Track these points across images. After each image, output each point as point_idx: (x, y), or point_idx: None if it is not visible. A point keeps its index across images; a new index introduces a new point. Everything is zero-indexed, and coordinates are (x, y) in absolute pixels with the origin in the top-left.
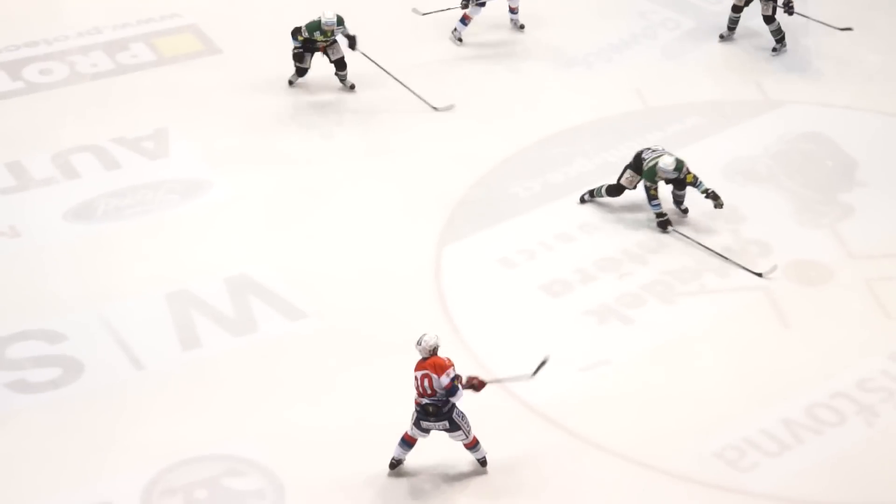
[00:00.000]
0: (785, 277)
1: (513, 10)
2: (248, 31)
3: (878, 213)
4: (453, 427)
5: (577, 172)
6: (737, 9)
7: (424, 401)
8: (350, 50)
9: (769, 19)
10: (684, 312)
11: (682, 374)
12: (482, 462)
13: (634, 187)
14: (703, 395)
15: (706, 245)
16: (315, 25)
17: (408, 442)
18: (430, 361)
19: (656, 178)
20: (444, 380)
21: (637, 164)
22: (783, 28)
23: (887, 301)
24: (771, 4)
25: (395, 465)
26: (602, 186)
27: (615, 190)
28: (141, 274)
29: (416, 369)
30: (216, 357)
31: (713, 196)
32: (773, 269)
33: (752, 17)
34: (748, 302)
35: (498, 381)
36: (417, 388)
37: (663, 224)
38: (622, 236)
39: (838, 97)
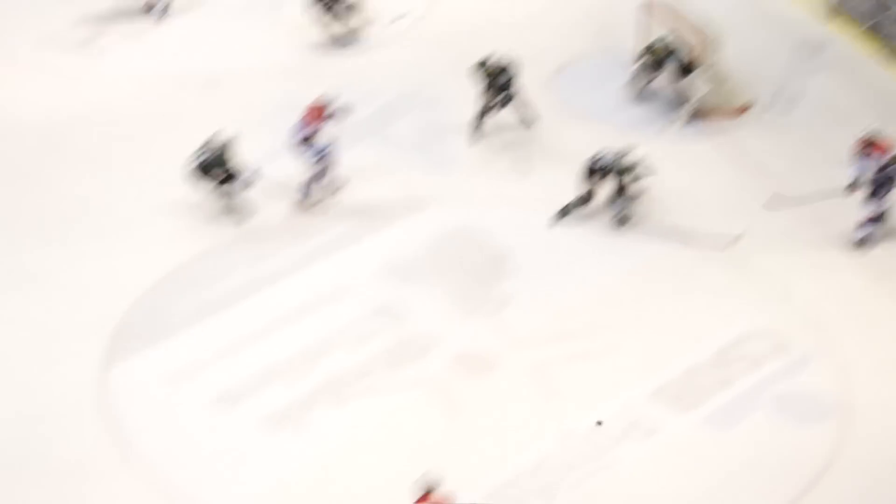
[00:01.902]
0: (452, 368)
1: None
2: None
3: (534, 300)
4: None
5: (238, 283)
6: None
7: None
8: None
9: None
10: (356, 413)
11: (354, 477)
12: None
13: None
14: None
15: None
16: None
17: None
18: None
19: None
20: None
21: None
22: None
23: (553, 383)
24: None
25: None
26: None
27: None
28: None
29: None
30: None
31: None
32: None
33: (390, 124)
34: (417, 397)
35: None
36: None
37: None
38: (288, 342)
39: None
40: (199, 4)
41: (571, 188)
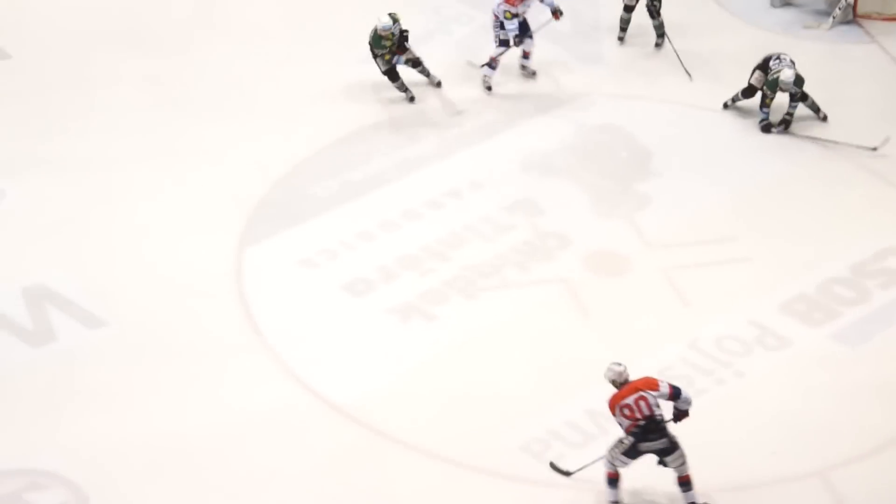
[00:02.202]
0: (584, 268)
1: (526, 56)
2: (37, 35)
3: (672, 203)
4: (672, 447)
5: (375, 170)
6: (628, 8)
7: (642, 421)
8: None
9: (654, 14)
10: (486, 307)
11: (487, 369)
12: None
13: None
14: (507, 389)
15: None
16: (376, 38)
17: (614, 479)
18: (634, 385)
19: (777, 89)
20: (665, 387)
21: (764, 67)
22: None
23: (684, 289)
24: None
25: None
26: (738, 92)
27: (749, 91)
28: None
29: (619, 399)
30: (14, 370)
31: (814, 108)
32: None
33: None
34: (549, 294)
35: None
36: (632, 417)
37: (766, 127)
38: (423, 233)
39: (630, 88)
40: None
41: (721, 90)
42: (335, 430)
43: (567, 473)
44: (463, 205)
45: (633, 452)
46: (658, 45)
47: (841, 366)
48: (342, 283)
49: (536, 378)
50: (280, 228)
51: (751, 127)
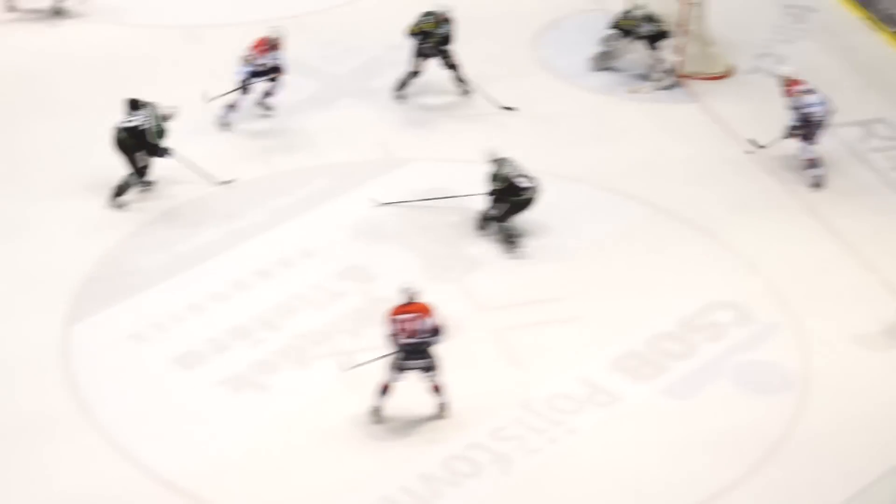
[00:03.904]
0: None
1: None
2: None
3: (502, 265)
4: (432, 366)
5: (204, 241)
6: (414, 74)
7: (412, 339)
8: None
9: (451, 66)
10: (318, 376)
11: (320, 437)
12: (442, 407)
13: None
14: (340, 455)
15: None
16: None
17: (386, 391)
18: (418, 306)
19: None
20: (435, 320)
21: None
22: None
23: (515, 350)
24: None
25: (378, 410)
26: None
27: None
28: None
29: (399, 313)
30: None
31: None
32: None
33: (371, 78)
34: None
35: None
36: (403, 331)
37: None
38: (253, 303)
39: (456, 151)
40: None
41: (543, 149)
42: None
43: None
44: (293, 273)
45: (400, 366)
46: (466, 91)
47: (671, 420)
48: (173, 356)
49: (368, 444)
50: (108, 304)
51: (573, 189)
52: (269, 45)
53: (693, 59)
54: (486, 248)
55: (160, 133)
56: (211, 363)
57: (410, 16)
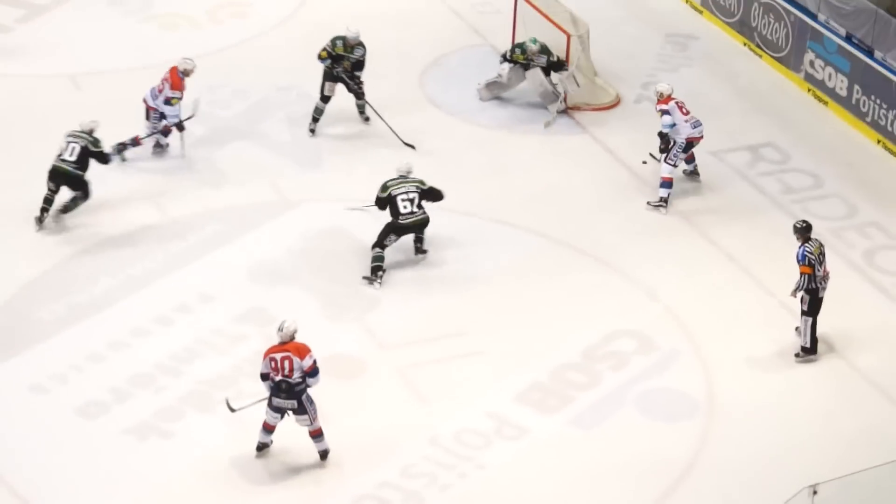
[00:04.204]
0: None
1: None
2: None
3: (402, 302)
4: (301, 410)
5: (101, 290)
6: (325, 99)
7: (278, 378)
8: None
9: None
10: (223, 421)
11: (227, 481)
12: (323, 454)
13: None
14: (248, 499)
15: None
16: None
17: (267, 429)
18: (292, 345)
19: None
20: (308, 361)
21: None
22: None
23: (420, 387)
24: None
25: (262, 447)
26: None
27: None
28: None
29: (273, 352)
30: None
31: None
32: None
33: (261, 120)
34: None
35: None
36: (275, 369)
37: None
38: (154, 350)
39: (351, 192)
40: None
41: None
42: None
43: (233, 410)
44: (193, 318)
45: (271, 404)
46: (367, 119)
47: (579, 450)
48: (75, 406)
49: (282, 487)
50: (6, 355)
51: (468, 223)
52: (184, 75)
53: (581, 90)
54: (385, 286)
55: (96, 142)
56: (114, 412)
57: (298, 58)
